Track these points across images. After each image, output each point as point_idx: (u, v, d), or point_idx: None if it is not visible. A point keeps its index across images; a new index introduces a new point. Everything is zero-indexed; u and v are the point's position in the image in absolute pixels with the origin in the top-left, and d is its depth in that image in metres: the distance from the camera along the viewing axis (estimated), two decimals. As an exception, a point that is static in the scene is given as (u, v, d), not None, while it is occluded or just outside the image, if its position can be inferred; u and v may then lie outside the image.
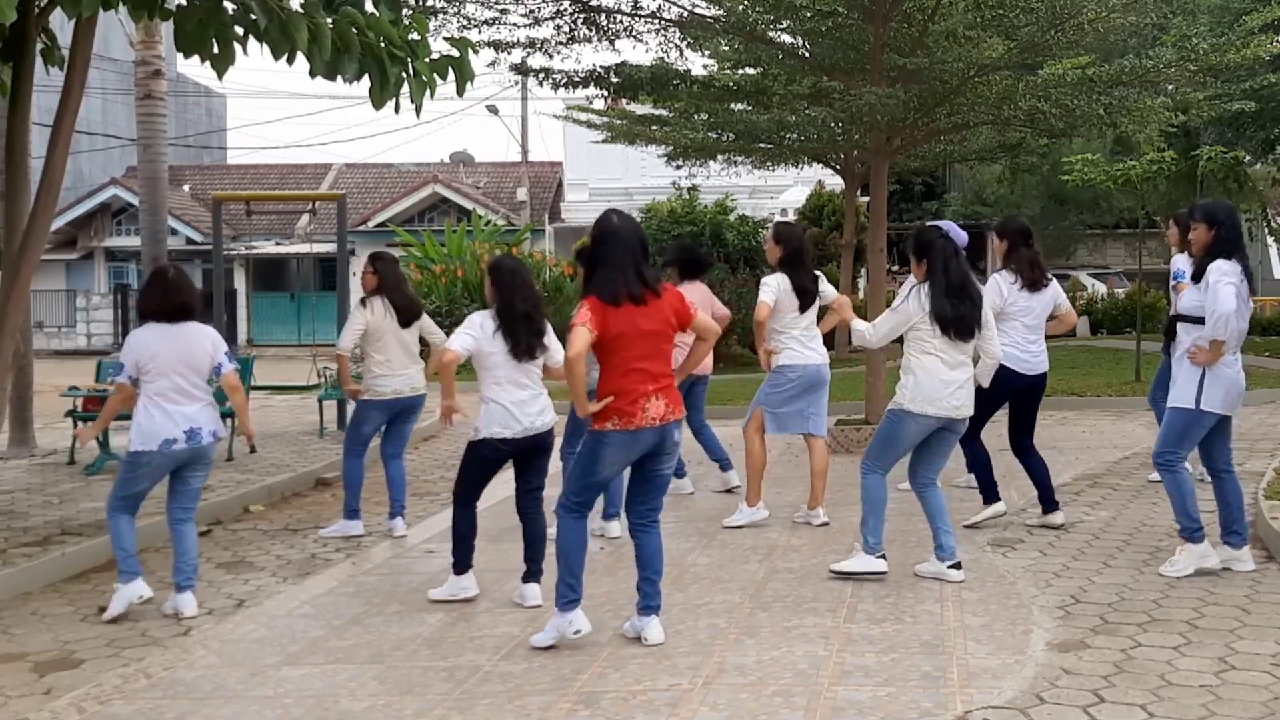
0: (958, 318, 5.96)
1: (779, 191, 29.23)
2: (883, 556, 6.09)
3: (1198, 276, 6.03)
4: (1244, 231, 6.28)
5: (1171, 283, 8.31)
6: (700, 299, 8.04)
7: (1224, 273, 5.85)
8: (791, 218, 24.80)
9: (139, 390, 5.91)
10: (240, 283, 34.19)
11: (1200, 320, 5.96)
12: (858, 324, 6.23)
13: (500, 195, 36.01)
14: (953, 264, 6.00)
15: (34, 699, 4.78)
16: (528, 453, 5.89)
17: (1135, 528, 7.14)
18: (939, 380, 5.95)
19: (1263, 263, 31.33)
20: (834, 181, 22.24)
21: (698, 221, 21.34)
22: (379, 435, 7.88)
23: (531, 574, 5.94)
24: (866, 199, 13.65)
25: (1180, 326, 6.25)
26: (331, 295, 21.95)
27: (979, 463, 7.36)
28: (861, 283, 19.83)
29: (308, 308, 32.59)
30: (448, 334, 6.30)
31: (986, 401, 7.22)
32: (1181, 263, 8.17)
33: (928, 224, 6.64)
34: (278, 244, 34.20)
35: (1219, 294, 5.79)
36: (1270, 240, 23.97)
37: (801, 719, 4.23)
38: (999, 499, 7.37)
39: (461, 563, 6.04)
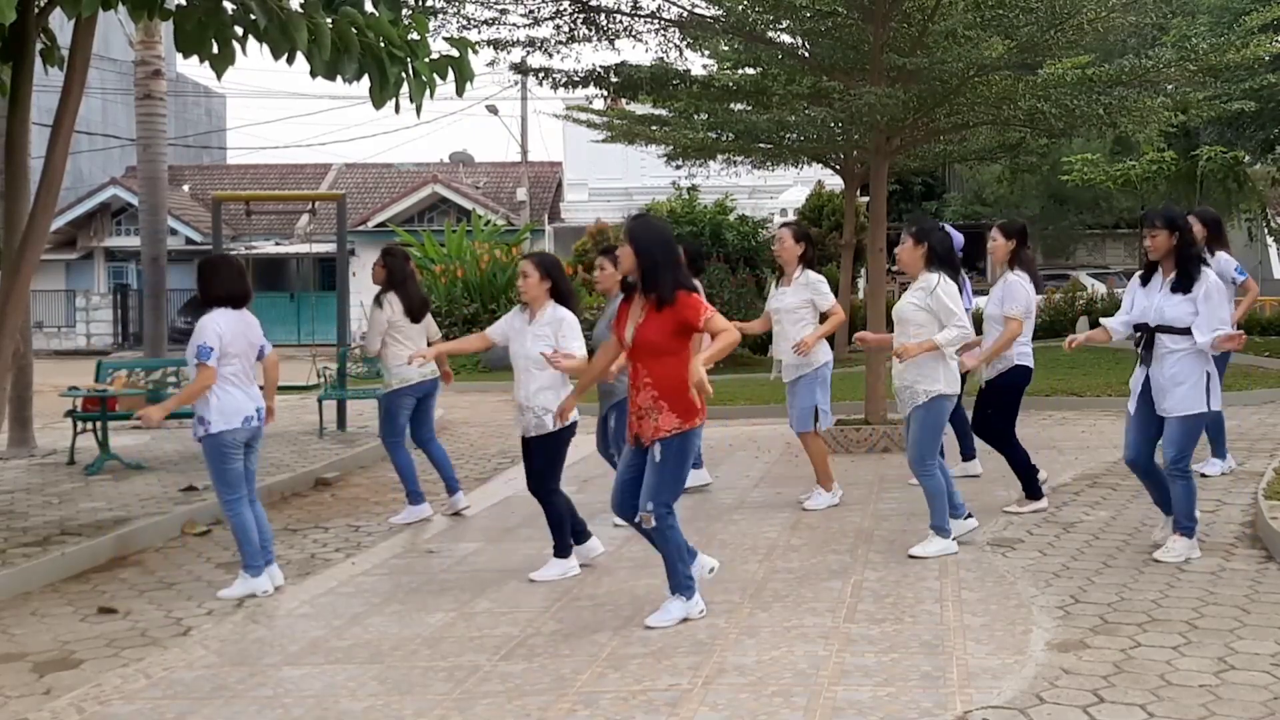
0: None
1: (779, 191, 29.23)
2: (970, 516, 6.64)
3: (1180, 286, 6.10)
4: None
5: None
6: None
7: (1218, 288, 6.08)
8: (792, 218, 24.81)
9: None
10: (240, 282, 34.13)
11: (1184, 331, 6.05)
12: (945, 338, 6.45)
13: (500, 195, 36.02)
14: (952, 255, 6.59)
15: (34, 699, 4.78)
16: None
17: (1135, 528, 7.13)
18: (954, 363, 6.59)
19: (1263, 263, 31.30)
20: (834, 181, 22.24)
21: (697, 221, 21.34)
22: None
23: (584, 533, 6.56)
24: (866, 199, 13.65)
25: (1168, 338, 6.07)
26: (331, 295, 21.94)
27: (1022, 463, 7.60)
28: (861, 283, 19.84)
29: (308, 308, 32.59)
30: (447, 335, 6.44)
31: (1012, 401, 7.66)
32: (1229, 261, 8.30)
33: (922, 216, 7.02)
34: (278, 244, 34.20)
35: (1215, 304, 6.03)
36: (1270, 240, 23.95)
37: (801, 719, 4.23)
38: (1042, 496, 7.65)
39: (566, 547, 6.39)
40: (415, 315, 7.94)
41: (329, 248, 21.12)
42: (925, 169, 22.63)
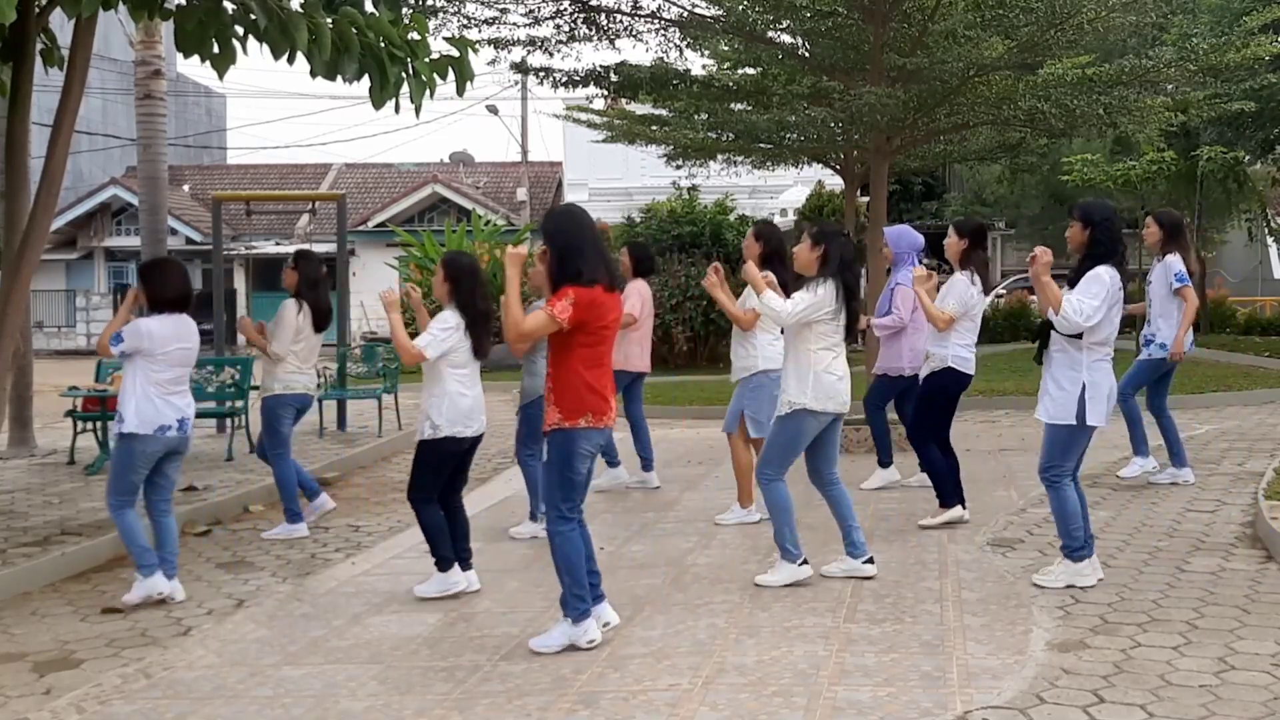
0: (854, 318, 6.01)
1: (779, 191, 29.24)
2: (805, 562, 6.01)
3: (1074, 280, 5.83)
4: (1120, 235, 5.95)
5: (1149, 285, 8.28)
6: (647, 296, 8.87)
7: (1096, 280, 5.69)
8: (791, 218, 24.82)
9: (133, 370, 5.99)
10: (240, 283, 34.20)
11: (1066, 334, 5.75)
12: (770, 298, 5.95)
13: (500, 195, 36.03)
14: (855, 266, 6.00)
15: (34, 699, 4.78)
16: (469, 451, 6.16)
17: (1135, 528, 7.14)
18: (834, 375, 5.93)
19: (1263, 262, 31.31)
20: (834, 181, 22.24)
21: (698, 221, 21.33)
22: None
23: (466, 562, 6.17)
24: (866, 199, 13.66)
25: (1054, 336, 5.88)
26: (331, 295, 21.94)
27: (949, 468, 7.32)
28: (862, 283, 19.83)
29: (307, 308, 32.45)
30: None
31: (946, 406, 7.32)
32: (1175, 265, 8.17)
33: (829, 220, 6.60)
34: (278, 244, 34.20)
35: (1076, 305, 5.64)
36: (1270, 240, 23.95)
37: (801, 719, 4.24)
38: (961, 504, 7.34)
39: (447, 558, 6.10)
40: (319, 325, 7.72)
41: (329, 248, 21.09)
42: (925, 169, 22.60)
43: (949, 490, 7.33)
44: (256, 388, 9.23)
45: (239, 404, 10.63)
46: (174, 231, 28.29)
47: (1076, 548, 5.87)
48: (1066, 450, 5.84)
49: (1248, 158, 20.60)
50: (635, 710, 4.37)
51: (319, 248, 27.83)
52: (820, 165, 17.61)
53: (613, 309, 5.06)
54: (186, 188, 36.39)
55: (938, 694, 4.42)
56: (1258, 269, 31.66)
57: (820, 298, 5.86)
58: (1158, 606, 5.49)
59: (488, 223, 27.39)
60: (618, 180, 30.95)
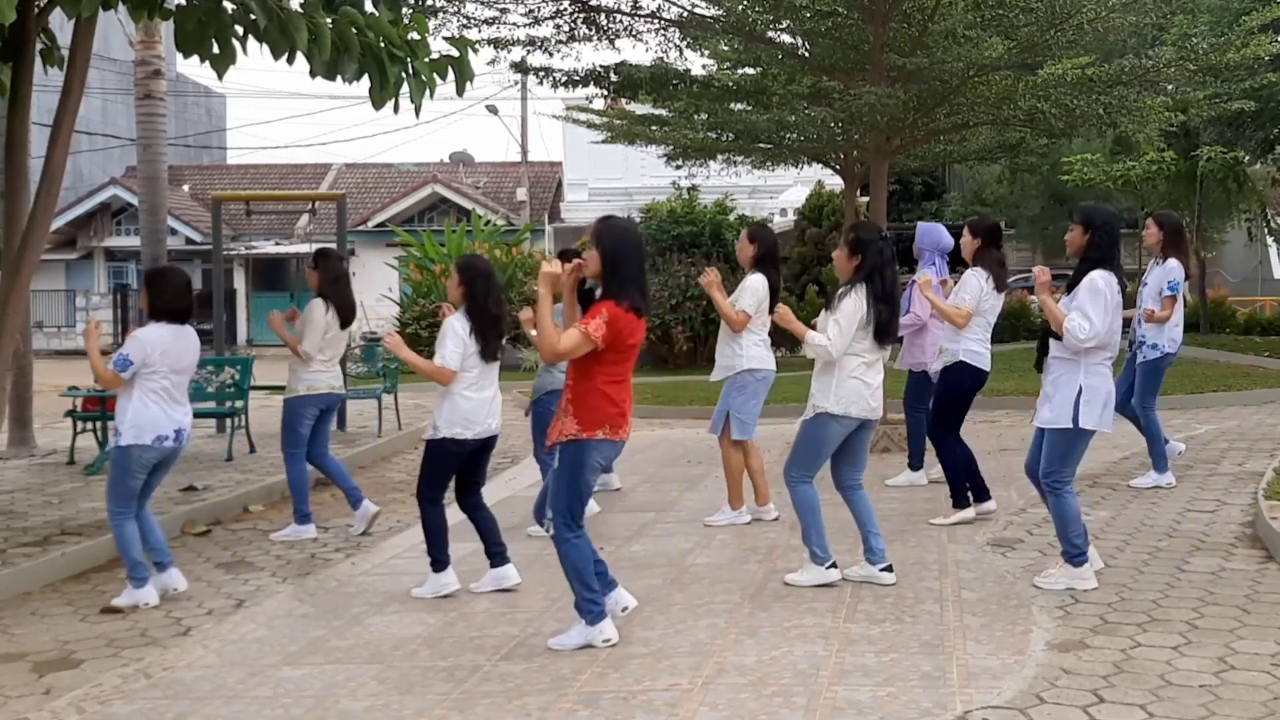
0: (886, 322, 5.86)
1: (779, 191, 29.24)
2: (833, 565, 5.98)
3: (1073, 284, 5.78)
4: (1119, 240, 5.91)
5: (1152, 292, 8.17)
6: None
7: (1094, 293, 5.64)
8: (791, 218, 24.81)
9: (132, 384, 5.99)
10: (240, 283, 34.20)
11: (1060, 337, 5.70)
12: (814, 340, 5.82)
13: (500, 195, 36.02)
14: (888, 270, 5.87)
15: (34, 699, 4.78)
16: (479, 452, 6.12)
17: (1135, 528, 7.14)
18: (862, 381, 5.84)
19: (1263, 262, 31.31)
20: (834, 181, 22.24)
21: (697, 221, 21.33)
22: None
23: (501, 558, 6.16)
24: (866, 199, 13.66)
25: (1053, 343, 5.88)
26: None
27: (963, 464, 7.31)
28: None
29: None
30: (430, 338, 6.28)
31: (959, 401, 7.33)
32: (1175, 272, 8.09)
33: (867, 222, 6.61)
34: (277, 244, 34.22)
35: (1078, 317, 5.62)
36: (1270, 240, 23.93)
37: (801, 719, 4.23)
38: (990, 497, 7.37)
39: (441, 560, 6.11)
40: (345, 321, 7.70)
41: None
42: (925, 169, 22.59)
43: (961, 491, 7.30)
44: (257, 387, 9.21)
45: (239, 404, 10.63)
46: (174, 231, 28.29)
47: (1076, 554, 5.81)
48: (1066, 456, 5.79)
49: (1248, 158, 20.59)
50: (635, 710, 4.37)
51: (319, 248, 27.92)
52: (820, 165, 17.60)
53: (638, 330, 5.05)
54: (186, 188, 36.39)
55: (938, 694, 4.42)
56: (1258, 269, 31.66)
57: (851, 310, 5.76)
58: (1158, 606, 5.49)
59: (488, 223, 27.37)
60: (617, 180, 30.95)
